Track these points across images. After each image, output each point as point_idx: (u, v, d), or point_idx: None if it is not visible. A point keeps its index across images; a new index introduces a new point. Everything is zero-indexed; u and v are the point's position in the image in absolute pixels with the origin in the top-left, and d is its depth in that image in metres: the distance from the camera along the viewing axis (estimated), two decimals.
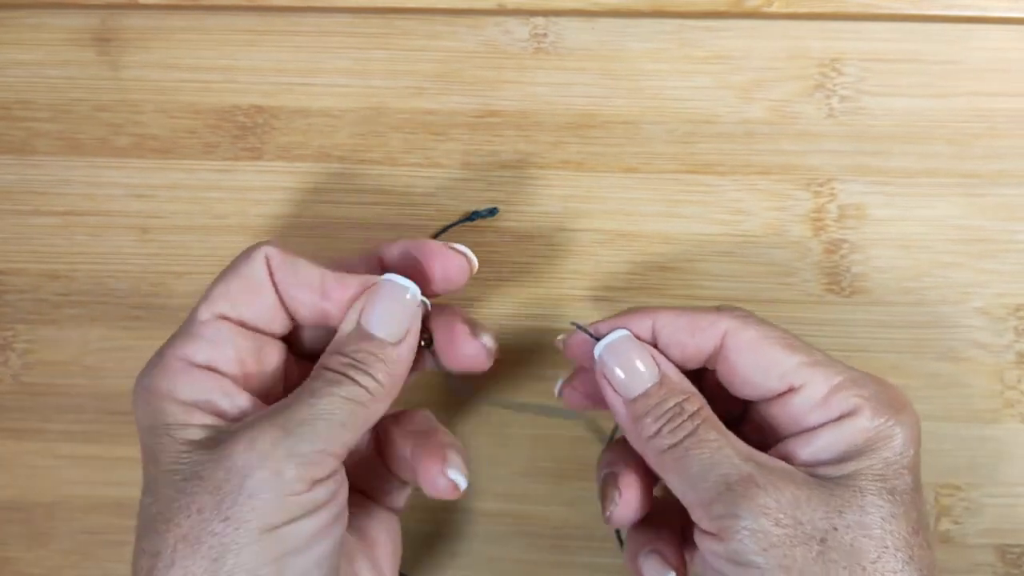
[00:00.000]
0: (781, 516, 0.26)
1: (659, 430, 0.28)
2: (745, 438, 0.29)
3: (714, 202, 0.37)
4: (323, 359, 0.28)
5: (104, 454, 0.37)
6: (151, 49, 0.39)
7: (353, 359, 0.28)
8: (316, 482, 0.26)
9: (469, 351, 0.30)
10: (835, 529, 0.26)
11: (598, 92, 0.38)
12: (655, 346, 0.30)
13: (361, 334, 0.28)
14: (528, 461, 0.36)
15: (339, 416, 0.27)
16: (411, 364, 0.29)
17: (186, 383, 0.27)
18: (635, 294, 0.37)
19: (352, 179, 0.38)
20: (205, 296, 0.29)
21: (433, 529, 0.36)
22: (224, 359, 0.28)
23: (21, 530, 0.37)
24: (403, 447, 0.31)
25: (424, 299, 0.29)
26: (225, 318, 0.28)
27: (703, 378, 0.30)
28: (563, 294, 0.37)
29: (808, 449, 0.28)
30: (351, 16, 0.38)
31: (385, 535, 0.31)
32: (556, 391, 0.33)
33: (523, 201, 0.37)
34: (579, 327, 0.30)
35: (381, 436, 0.32)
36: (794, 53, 0.38)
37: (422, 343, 0.30)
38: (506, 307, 0.37)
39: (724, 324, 0.29)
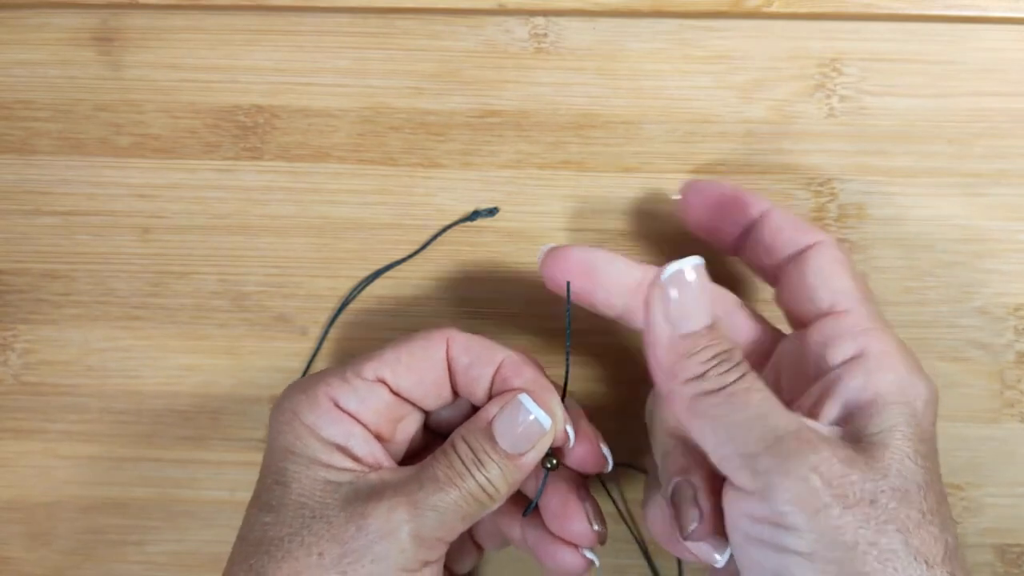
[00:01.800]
0: (831, 476, 0.24)
1: (705, 372, 0.26)
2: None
3: None
4: (455, 439, 0.29)
5: (104, 454, 0.37)
6: (152, 49, 0.39)
7: (478, 459, 0.28)
8: (427, 564, 0.28)
9: (576, 528, 0.30)
10: (882, 492, 0.25)
11: (598, 92, 0.38)
12: (752, 230, 0.31)
13: (488, 436, 0.29)
14: None
15: (462, 511, 0.28)
16: (530, 471, 0.30)
17: (330, 422, 0.29)
18: None
19: (352, 179, 0.38)
20: (374, 355, 0.30)
21: None
22: (367, 413, 0.29)
23: (21, 530, 0.37)
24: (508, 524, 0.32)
25: (568, 428, 0.30)
26: (383, 382, 0.30)
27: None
28: (563, 294, 0.37)
29: (836, 403, 0.27)
30: (351, 16, 0.38)
31: None
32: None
33: (523, 201, 0.37)
34: (555, 467, 0.30)
35: None
36: (794, 53, 0.38)
37: (547, 466, 0.30)
38: (506, 307, 0.37)
39: (822, 237, 0.30)
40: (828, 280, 0.29)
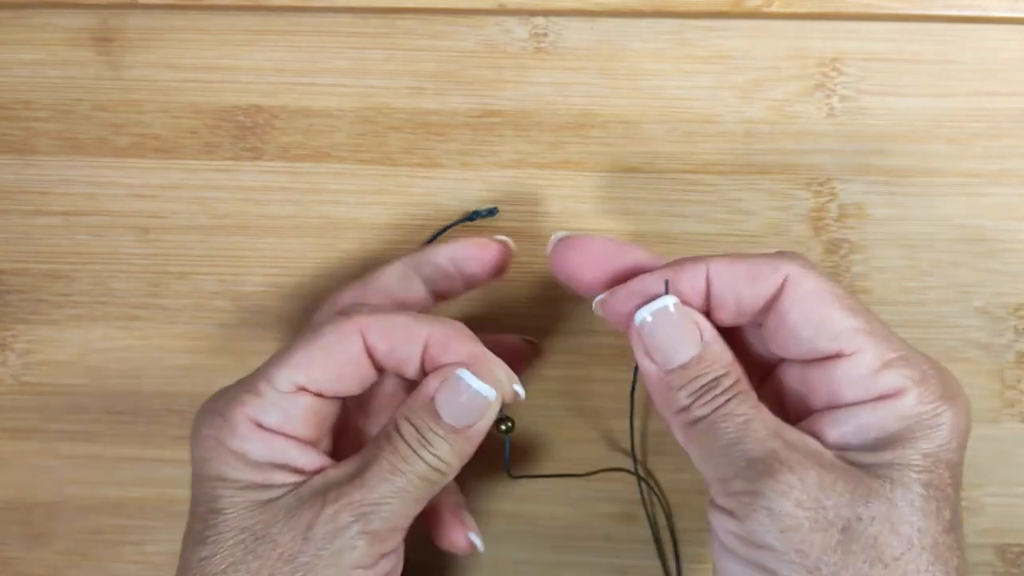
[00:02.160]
0: (803, 498, 0.24)
1: (690, 405, 0.27)
2: (768, 403, 0.27)
3: (714, 202, 0.37)
4: (398, 422, 0.28)
5: (104, 454, 0.37)
6: (152, 49, 0.39)
7: (423, 437, 0.27)
8: (383, 555, 0.27)
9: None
10: (859, 519, 0.24)
11: (598, 92, 0.38)
12: (708, 297, 0.28)
13: (431, 413, 0.27)
14: (529, 461, 0.36)
15: (412, 495, 0.27)
16: (480, 441, 0.29)
17: (257, 445, 0.27)
18: None
19: (352, 179, 0.38)
20: (284, 360, 0.28)
21: None
22: (294, 425, 0.28)
23: (21, 530, 0.37)
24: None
25: (517, 388, 0.29)
26: (304, 389, 0.28)
27: (732, 336, 0.29)
28: (563, 294, 0.37)
29: (840, 429, 0.26)
30: (351, 16, 0.38)
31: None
32: (594, 306, 0.30)
33: (523, 201, 0.37)
34: (510, 430, 0.30)
35: None
36: (794, 53, 0.38)
37: (502, 429, 0.30)
38: (506, 307, 0.37)
39: (786, 269, 0.27)
40: (822, 324, 0.26)
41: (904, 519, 0.25)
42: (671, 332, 0.27)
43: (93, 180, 0.38)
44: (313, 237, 0.37)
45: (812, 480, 0.25)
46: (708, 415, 0.26)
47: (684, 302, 0.28)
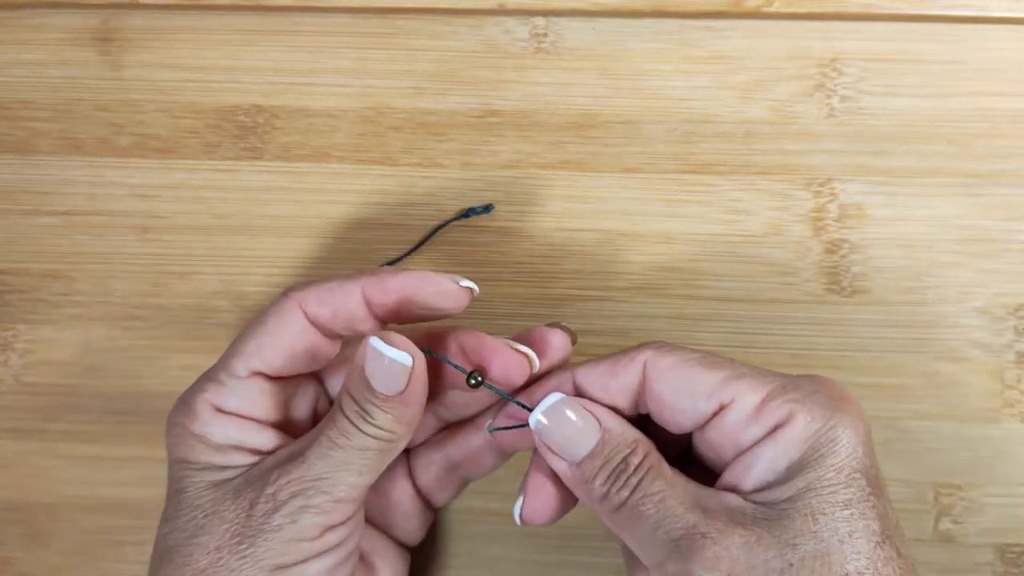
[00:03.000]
0: (733, 566, 0.25)
1: (607, 493, 0.27)
2: (695, 468, 0.28)
3: (714, 202, 0.37)
4: (340, 397, 0.28)
5: (105, 454, 0.37)
6: (152, 49, 0.39)
7: (362, 408, 0.28)
8: (330, 528, 0.27)
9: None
10: (791, 565, 0.25)
11: (598, 92, 0.38)
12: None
13: (364, 383, 0.28)
14: (529, 461, 0.36)
15: (356, 466, 0.27)
16: (423, 402, 0.28)
17: (217, 427, 0.28)
18: (635, 294, 0.37)
19: (352, 179, 0.38)
20: (238, 349, 0.29)
21: (434, 529, 0.36)
22: (253, 408, 0.29)
23: (21, 530, 0.37)
24: None
25: (465, 283, 0.29)
26: (260, 374, 0.29)
27: (647, 423, 0.29)
28: (563, 294, 0.37)
29: (751, 474, 0.26)
30: (351, 16, 0.38)
31: (391, 571, 0.32)
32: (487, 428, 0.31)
33: (523, 201, 0.37)
34: (480, 384, 0.29)
35: None
36: (794, 53, 0.38)
37: (471, 382, 0.29)
38: (506, 307, 0.37)
39: (642, 356, 0.28)
40: (693, 389, 0.27)
41: (834, 548, 0.25)
42: (569, 425, 0.28)
43: (93, 180, 0.38)
44: (313, 237, 0.37)
45: (737, 544, 0.25)
46: (627, 499, 0.27)
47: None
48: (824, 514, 0.25)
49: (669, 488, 0.26)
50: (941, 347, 0.36)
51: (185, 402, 0.29)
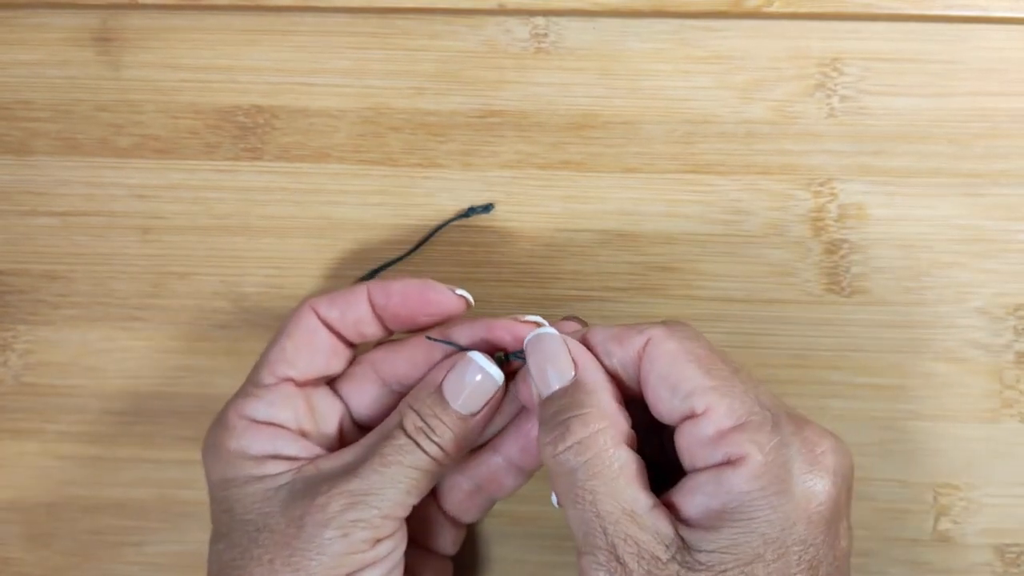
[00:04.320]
0: None
1: (545, 446, 0.27)
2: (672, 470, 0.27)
3: (714, 202, 0.37)
4: (402, 409, 0.29)
5: (104, 454, 0.37)
6: (151, 49, 0.39)
7: (427, 424, 0.28)
8: (379, 541, 0.28)
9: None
10: None
11: (598, 92, 0.38)
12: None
13: (438, 399, 0.29)
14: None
15: (405, 485, 0.28)
16: (484, 430, 0.30)
17: (252, 439, 0.29)
18: (635, 294, 0.37)
19: (352, 179, 0.38)
20: (264, 360, 0.30)
21: None
22: (284, 415, 0.30)
23: (21, 530, 0.37)
24: None
25: (464, 293, 0.30)
26: (287, 380, 0.30)
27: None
28: (563, 294, 0.37)
29: (690, 500, 0.26)
30: (351, 16, 0.38)
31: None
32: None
33: (523, 201, 0.37)
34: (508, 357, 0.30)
35: None
36: (794, 53, 0.38)
37: (503, 358, 0.30)
38: (506, 307, 0.37)
39: (650, 332, 0.28)
40: (676, 383, 0.27)
41: None
42: (543, 359, 0.28)
43: (93, 180, 0.38)
44: (313, 237, 0.37)
45: None
46: (563, 474, 0.27)
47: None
48: None
49: (605, 487, 0.26)
50: (940, 347, 0.36)
51: (218, 421, 0.30)
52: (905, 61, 0.38)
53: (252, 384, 0.30)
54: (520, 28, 0.38)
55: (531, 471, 0.32)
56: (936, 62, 0.38)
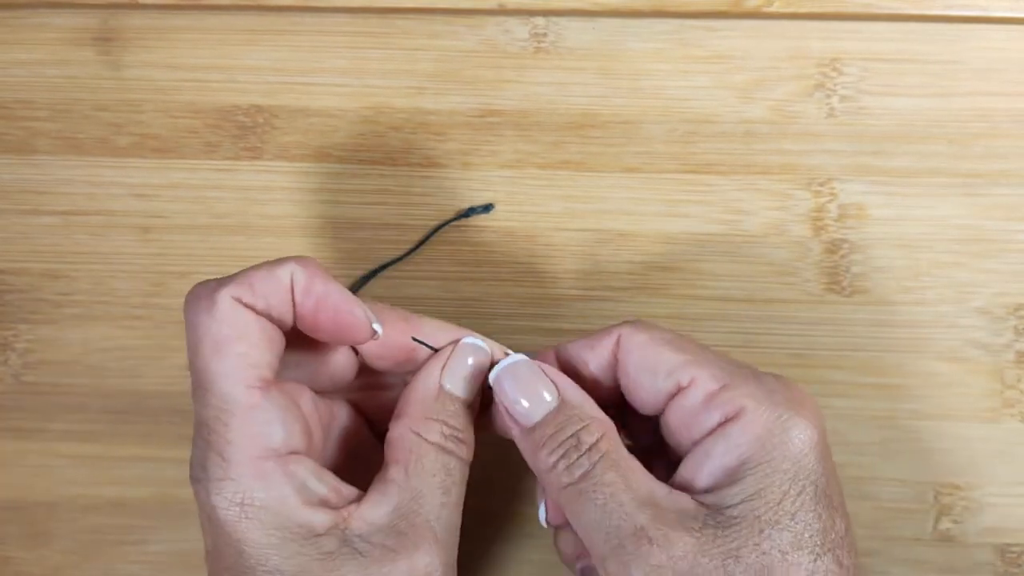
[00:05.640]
0: (674, 574, 0.25)
1: (555, 464, 0.27)
2: (660, 470, 0.27)
3: (714, 202, 0.37)
4: (420, 428, 0.28)
5: (105, 454, 0.37)
6: (151, 49, 0.39)
7: (454, 427, 0.28)
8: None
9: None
10: None
11: (598, 92, 0.38)
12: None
13: (451, 396, 0.28)
14: (522, 463, 0.36)
15: (454, 498, 0.28)
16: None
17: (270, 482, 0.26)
18: (635, 294, 0.37)
19: (352, 179, 0.38)
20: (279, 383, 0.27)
21: None
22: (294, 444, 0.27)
23: (21, 530, 0.37)
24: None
25: (376, 327, 0.28)
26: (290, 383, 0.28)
27: (626, 410, 0.30)
28: (563, 294, 0.37)
29: (703, 472, 0.26)
30: (351, 16, 0.38)
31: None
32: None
33: (523, 201, 0.37)
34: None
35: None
36: (794, 53, 0.38)
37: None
38: (506, 307, 0.37)
39: (617, 331, 0.29)
40: (655, 366, 0.27)
41: (776, 561, 0.25)
42: (524, 387, 0.28)
43: (93, 180, 0.38)
44: (313, 237, 0.37)
45: (681, 550, 0.25)
46: (576, 482, 0.26)
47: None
48: (769, 525, 0.25)
49: (622, 480, 0.26)
50: (941, 347, 0.36)
51: (205, 458, 0.26)
52: (905, 61, 0.38)
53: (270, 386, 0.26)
54: (520, 28, 0.38)
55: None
56: (936, 62, 0.38)
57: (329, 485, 0.26)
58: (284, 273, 0.26)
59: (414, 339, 0.29)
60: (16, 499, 0.37)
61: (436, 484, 0.27)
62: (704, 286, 0.37)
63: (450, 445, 0.28)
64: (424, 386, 0.29)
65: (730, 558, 0.25)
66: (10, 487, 0.37)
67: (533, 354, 0.30)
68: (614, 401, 0.29)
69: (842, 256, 0.37)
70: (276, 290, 0.26)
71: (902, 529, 0.35)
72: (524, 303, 0.37)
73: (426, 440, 0.28)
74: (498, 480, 0.36)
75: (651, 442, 0.30)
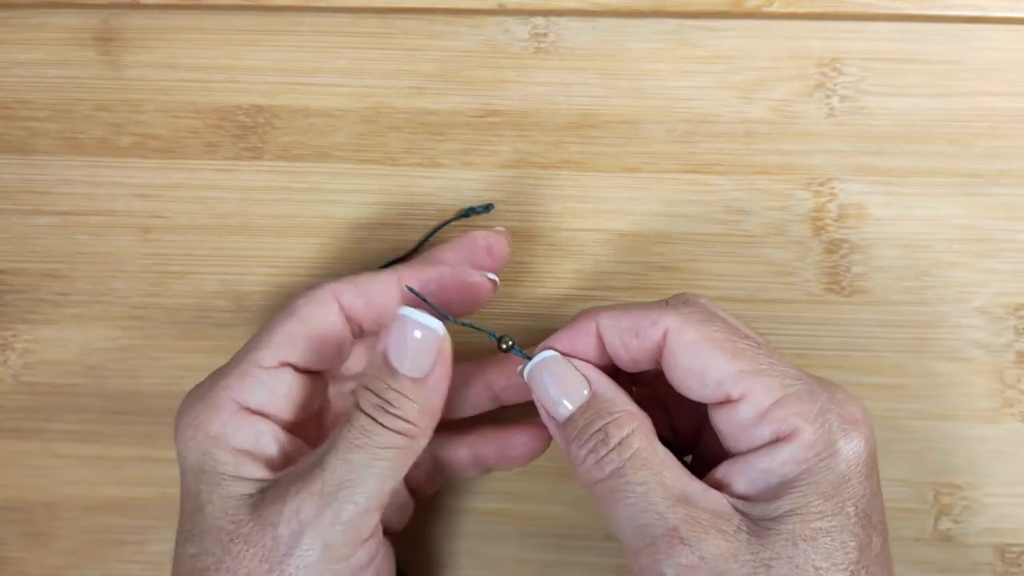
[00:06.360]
0: (706, 574, 0.24)
1: (584, 458, 0.27)
2: (706, 444, 0.27)
3: (714, 202, 0.37)
4: (356, 394, 0.27)
5: (105, 454, 0.37)
6: (152, 49, 0.39)
7: (383, 399, 0.26)
8: (360, 543, 0.26)
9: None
10: None
11: (598, 92, 0.38)
12: (602, 349, 0.28)
13: (387, 369, 0.27)
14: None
15: (377, 470, 0.26)
16: (447, 390, 0.28)
17: (238, 428, 0.27)
18: (635, 294, 0.37)
19: (352, 179, 0.38)
20: (266, 339, 0.28)
21: (433, 529, 0.36)
22: (279, 407, 0.28)
23: (21, 530, 0.37)
24: None
25: (494, 276, 0.29)
26: (288, 365, 0.28)
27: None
28: (563, 294, 0.37)
29: (744, 478, 0.26)
30: (351, 16, 0.38)
31: (388, 562, 0.31)
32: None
33: (523, 201, 0.37)
34: (512, 348, 0.29)
35: None
36: (794, 53, 0.38)
37: (504, 347, 0.29)
38: (506, 307, 0.37)
39: (666, 323, 0.27)
40: (703, 374, 0.26)
41: (811, 568, 0.24)
42: (555, 382, 0.28)
43: (93, 180, 0.38)
44: (313, 237, 0.37)
45: (713, 553, 0.25)
46: (606, 478, 0.26)
47: (582, 358, 0.28)
48: (804, 540, 0.25)
49: (655, 477, 0.26)
50: (941, 347, 0.36)
51: (202, 400, 0.28)
52: (905, 61, 0.38)
53: (250, 362, 0.28)
54: (520, 28, 0.38)
55: (489, 468, 0.32)
56: (936, 62, 0.38)
57: (283, 451, 0.28)
58: (388, 278, 0.29)
59: (408, 288, 0.29)
60: (16, 499, 0.37)
61: (361, 454, 0.26)
62: (704, 286, 0.37)
63: (380, 416, 0.26)
64: (372, 359, 0.27)
65: (762, 567, 0.24)
66: (10, 487, 0.37)
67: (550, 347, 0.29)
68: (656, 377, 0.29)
69: (842, 256, 0.37)
70: (381, 292, 0.29)
71: (902, 529, 0.35)
72: (524, 303, 0.37)
73: (358, 406, 0.27)
74: (496, 480, 0.36)
75: (695, 420, 0.30)
